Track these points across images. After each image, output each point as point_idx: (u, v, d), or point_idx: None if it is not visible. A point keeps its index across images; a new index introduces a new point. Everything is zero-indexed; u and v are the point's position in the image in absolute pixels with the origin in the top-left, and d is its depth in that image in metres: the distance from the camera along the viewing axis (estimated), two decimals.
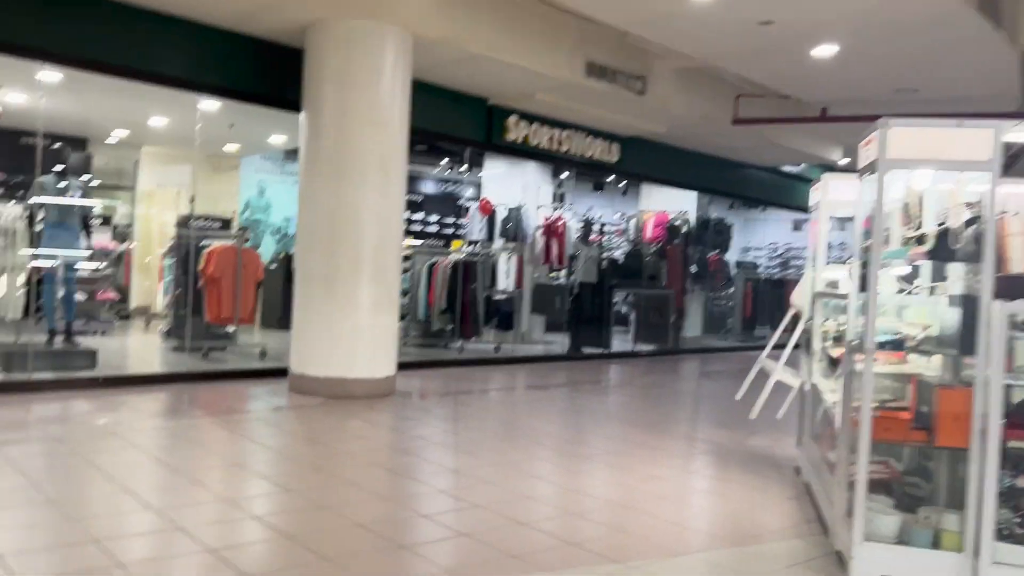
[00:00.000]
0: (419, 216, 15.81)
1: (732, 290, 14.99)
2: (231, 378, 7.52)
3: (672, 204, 13.47)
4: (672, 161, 12.12)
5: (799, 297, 5.76)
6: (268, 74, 7.44)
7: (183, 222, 9.43)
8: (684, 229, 13.20)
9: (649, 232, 13.00)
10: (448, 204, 16.24)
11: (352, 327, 6.86)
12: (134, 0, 6.48)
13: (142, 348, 9.87)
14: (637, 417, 7.01)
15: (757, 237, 18.86)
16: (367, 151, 6.88)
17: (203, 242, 9.06)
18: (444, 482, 4.48)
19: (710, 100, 10.06)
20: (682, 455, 5.50)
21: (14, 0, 6.01)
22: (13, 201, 7.83)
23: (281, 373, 7.34)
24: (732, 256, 15.80)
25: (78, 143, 11.71)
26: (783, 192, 15.11)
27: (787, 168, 14.73)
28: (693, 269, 13.77)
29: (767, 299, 14.77)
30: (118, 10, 6.48)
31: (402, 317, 9.21)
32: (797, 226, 17.92)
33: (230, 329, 9.16)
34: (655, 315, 12.26)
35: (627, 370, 10.36)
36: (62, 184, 7.63)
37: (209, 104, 8.61)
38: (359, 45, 6.84)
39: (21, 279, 7.09)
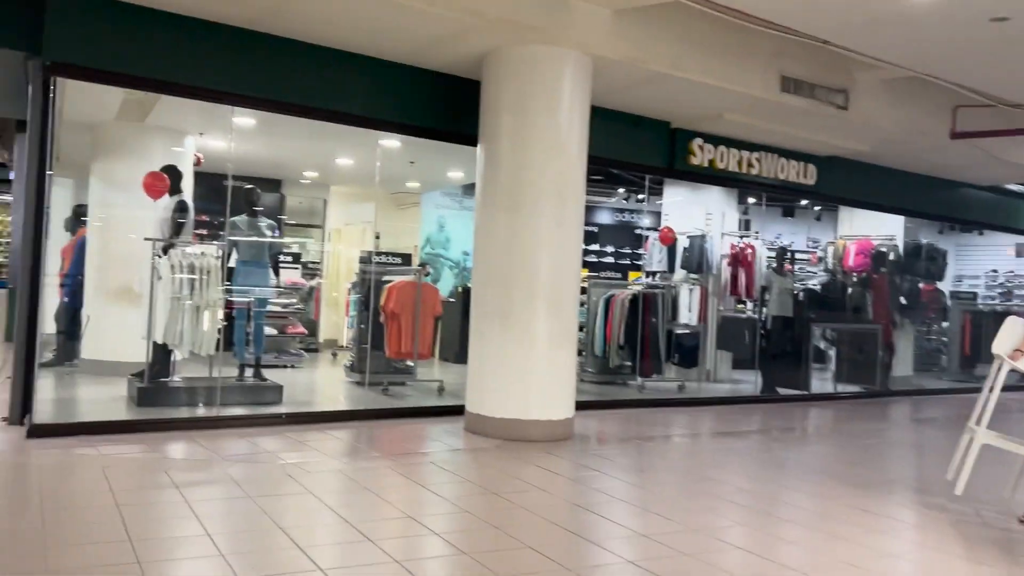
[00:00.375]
0: (594, 247, 15.42)
1: (947, 324, 13.38)
2: (410, 415, 7.40)
3: (874, 229, 12.22)
4: (875, 182, 10.97)
5: (1004, 343, 4.81)
6: (445, 108, 7.34)
7: (366, 258, 9.57)
8: (891, 256, 11.91)
9: (851, 260, 11.83)
10: (625, 234, 15.75)
11: (528, 364, 6.52)
12: (317, 40, 6.58)
13: (327, 382, 10.06)
14: (848, 473, 6.14)
15: (972, 264, 16.88)
16: (544, 180, 6.56)
17: (384, 277, 9.13)
18: (633, 551, 3.96)
19: (922, 113, 8.96)
20: (915, 525, 4.65)
21: (207, 48, 6.23)
22: (213, 241, 8.23)
23: (458, 411, 7.12)
24: (946, 286, 14.15)
25: (273, 185, 12.35)
26: (1005, 213, 13.35)
27: (1011, 186, 13.01)
28: (902, 301, 12.39)
29: (988, 334, 13.03)
30: (303, 51, 6.59)
31: (578, 353, 8.82)
32: (1022, 251, 15.88)
33: (410, 364, 9.14)
34: (860, 352, 11.08)
35: (829, 415, 9.34)
36: (254, 223, 7.90)
37: (389, 142, 8.71)
38: (536, 71, 6.57)
39: (214, 315, 7.35)
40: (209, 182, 10.01)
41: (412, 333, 8.73)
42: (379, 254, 9.62)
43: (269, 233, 8.06)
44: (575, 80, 6.71)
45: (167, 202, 7.56)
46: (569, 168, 6.70)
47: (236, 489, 4.65)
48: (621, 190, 13.28)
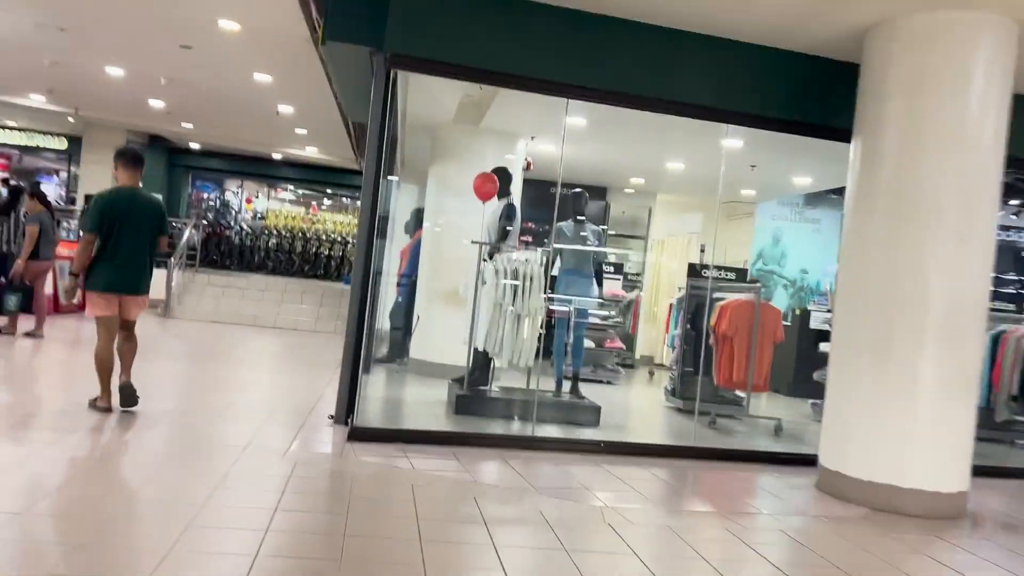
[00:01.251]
0: None
1: None
2: (743, 459, 6.30)
3: None
4: None
5: None
6: (811, 96, 6.16)
7: (694, 272, 8.62)
8: None
9: None
10: (1009, 256, 12.99)
11: (909, 416, 5.10)
12: (660, 21, 5.79)
13: (645, 406, 9.26)
14: None
15: None
16: (943, 182, 5.11)
17: (715, 294, 8.11)
18: None
19: None
20: None
21: (542, 34, 5.72)
22: (539, 249, 7.85)
23: (804, 461, 5.89)
24: None
25: (597, 192, 11.88)
26: None
27: None
28: None
29: None
30: (643, 34, 5.84)
31: None
32: None
33: (740, 394, 8.01)
34: None
35: None
36: (580, 230, 7.34)
37: (731, 142, 7.68)
38: (940, 44, 5.15)
39: (535, 325, 6.89)
40: (536, 188, 9.76)
41: (746, 360, 7.60)
42: (711, 268, 8.62)
43: (594, 241, 7.46)
44: (993, 54, 5.16)
45: (495, 205, 7.29)
46: (979, 167, 5.16)
47: (548, 535, 3.96)
48: (1015, 201, 10.85)
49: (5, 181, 15.16)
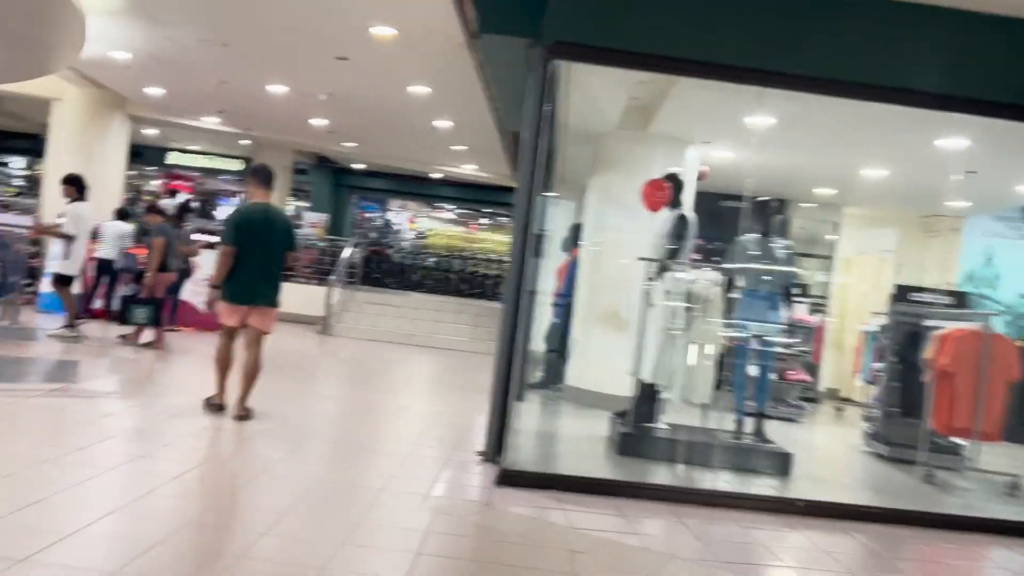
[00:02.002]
0: None
1: None
2: (976, 529, 5.05)
3: None
4: None
5: None
6: None
7: (899, 295, 7.34)
8: None
9: None
10: None
11: None
12: None
13: (839, 450, 8.01)
14: None
15: None
16: None
17: (926, 322, 6.83)
18: None
19: None
20: None
21: (724, 12, 4.84)
22: (709, 267, 6.91)
23: None
24: None
25: (778, 205, 10.69)
26: None
27: None
28: None
29: None
30: (846, 6, 4.82)
31: None
32: None
33: (960, 442, 6.66)
34: None
35: None
36: (768, 245, 6.34)
37: (951, 142, 6.47)
38: None
39: (713, 355, 5.96)
40: (706, 201, 8.81)
41: (973, 402, 6.26)
42: (918, 291, 7.33)
43: (784, 258, 6.42)
44: None
45: (665, 216, 6.42)
46: None
47: None
48: None
49: (172, 194, 15.90)
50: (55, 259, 8.84)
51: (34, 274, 12.42)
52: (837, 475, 6.86)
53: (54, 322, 9.06)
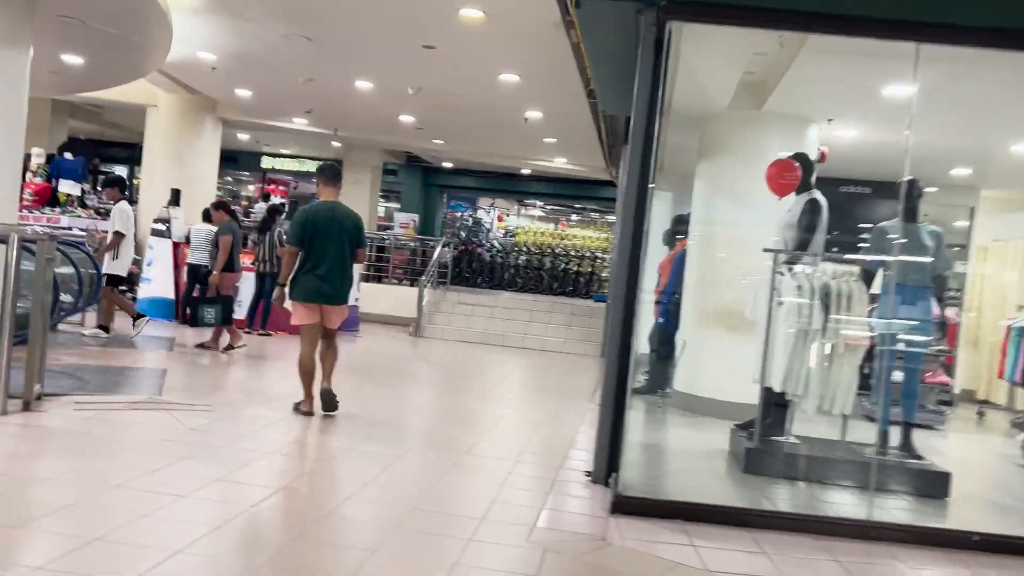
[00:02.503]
0: None
1: None
2: None
3: None
4: None
5: None
6: None
7: None
8: None
9: None
10: None
11: None
12: None
13: (994, 465, 7.03)
14: None
15: None
16: None
17: None
18: None
19: None
20: None
21: None
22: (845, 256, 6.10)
23: None
24: None
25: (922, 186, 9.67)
26: None
27: None
28: None
29: None
30: None
31: None
32: None
33: None
34: None
35: None
36: (916, 232, 5.51)
37: None
38: None
39: (855, 360, 5.18)
40: (828, 186, 7.96)
41: None
42: None
43: (932, 246, 5.56)
44: None
45: (793, 202, 5.67)
46: None
47: None
48: None
49: (266, 198, 15.85)
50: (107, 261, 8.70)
51: (132, 280, 12.55)
52: (1003, 497, 5.94)
53: (149, 330, 8.95)
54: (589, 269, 18.82)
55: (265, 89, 11.85)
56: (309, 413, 5.74)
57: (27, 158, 14.14)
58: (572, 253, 19.23)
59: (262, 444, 4.93)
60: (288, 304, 5.85)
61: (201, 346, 8.69)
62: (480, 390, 8.84)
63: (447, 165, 21.91)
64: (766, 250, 5.41)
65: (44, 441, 4.66)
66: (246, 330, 10.88)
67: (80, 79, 10.77)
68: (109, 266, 8.49)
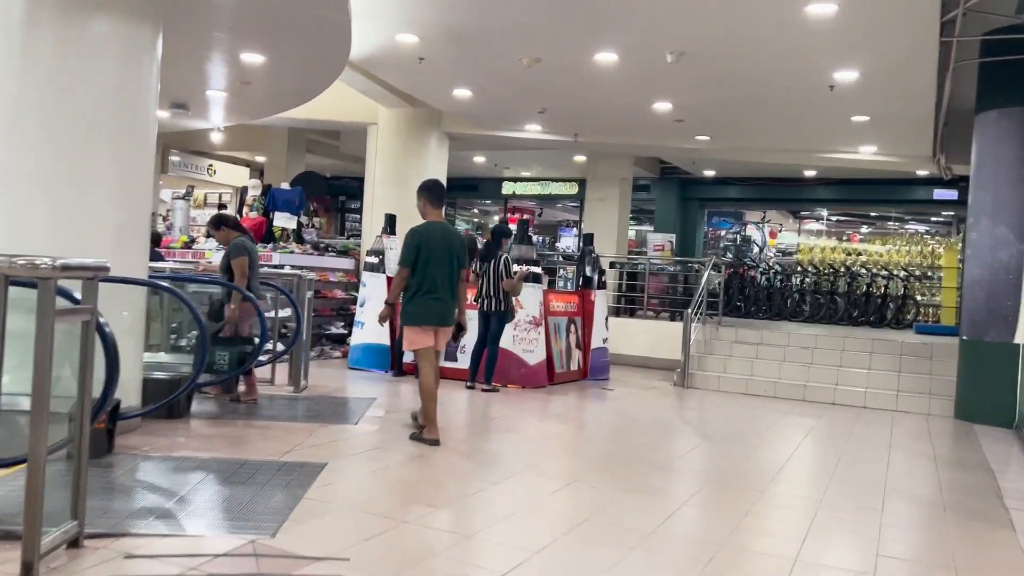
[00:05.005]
0: None
1: None
2: None
3: None
4: None
5: None
6: None
7: None
8: None
9: None
10: None
11: None
12: None
13: None
14: None
15: None
16: None
17: None
18: None
19: None
20: None
21: None
22: None
23: None
24: None
25: None
26: None
27: None
28: None
29: None
30: None
31: None
32: None
33: None
34: None
35: None
36: None
37: None
38: None
39: None
40: None
41: None
42: None
43: None
44: None
45: None
46: None
47: None
48: None
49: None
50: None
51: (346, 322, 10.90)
52: None
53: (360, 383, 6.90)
54: (900, 291, 14.70)
55: (484, 82, 9.67)
56: (435, 442, 5.54)
57: (243, 191, 13.35)
58: (877, 271, 15.20)
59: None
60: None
61: (235, 399, 6.81)
62: (793, 496, 5.59)
63: (708, 174, 18.76)
64: None
65: None
66: (468, 384, 8.62)
67: (273, 88, 9.33)
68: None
